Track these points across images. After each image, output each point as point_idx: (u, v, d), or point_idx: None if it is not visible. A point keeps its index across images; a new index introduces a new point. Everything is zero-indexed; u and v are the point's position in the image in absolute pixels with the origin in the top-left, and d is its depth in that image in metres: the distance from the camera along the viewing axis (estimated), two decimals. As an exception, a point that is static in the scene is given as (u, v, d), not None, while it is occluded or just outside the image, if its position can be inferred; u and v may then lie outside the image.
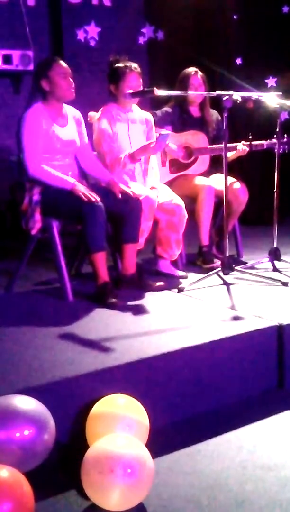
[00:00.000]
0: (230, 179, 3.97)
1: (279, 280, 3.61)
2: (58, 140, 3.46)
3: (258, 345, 2.87)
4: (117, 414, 2.20)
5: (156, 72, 5.77)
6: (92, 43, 5.63)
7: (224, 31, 5.71)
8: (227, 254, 3.60)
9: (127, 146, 3.73)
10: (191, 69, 4.22)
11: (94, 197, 3.31)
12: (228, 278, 3.69)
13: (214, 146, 4.21)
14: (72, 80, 3.46)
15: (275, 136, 3.96)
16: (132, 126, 3.81)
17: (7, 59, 5.01)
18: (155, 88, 3.41)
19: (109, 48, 5.24)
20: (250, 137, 4.19)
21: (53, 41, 5.50)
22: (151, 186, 3.82)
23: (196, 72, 4.21)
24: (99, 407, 2.25)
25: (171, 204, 3.77)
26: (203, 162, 4.27)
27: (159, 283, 3.58)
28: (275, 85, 5.54)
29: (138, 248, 3.66)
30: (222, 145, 3.56)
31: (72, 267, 3.92)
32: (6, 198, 5.04)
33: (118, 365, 2.49)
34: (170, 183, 4.14)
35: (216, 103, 3.73)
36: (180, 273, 3.88)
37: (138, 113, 3.88)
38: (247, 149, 4.17)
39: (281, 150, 3.95)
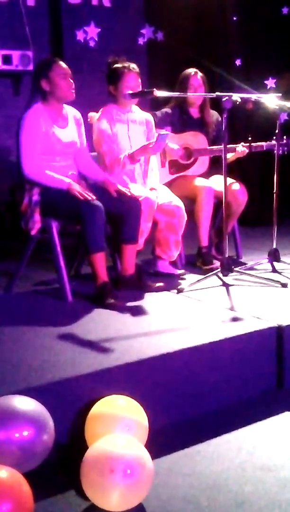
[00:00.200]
0: (230, 180, 3.97)
1: (279, 281, 3.61)
2: (58, 141, 3.46)
3: (258, 346, 2.87)
4: (116, 415, 2.20)
5: (155, 72, 5.77)
6: (92, 43, 5.63)
7: (224, 32, 5.71)
8: (227, 255, 3.60)
9: (127, 147, 3.73)
10: (191, 70, 4.23)
11: (90, 196, 3.31)
12: (228, 279, 3.69)
13: (213, 147, 4.21)
14: (72, 81, 3.46)
15: (274, 137, 3.96)
16: (132, 126, 3.81)
17: (7, 60, 5.01)
18: (154, 89, 3.42)
19: (109, 49, 5.24)
20: (250, 139, 4.19)
21: (53, 41, 5.50)
22: (150, 187, 3.83)
23: (196, 72, 4.21)
24: (98, 408, 2.25)
25: (171, 205, 3.77)
26: (203, 163, 4.28)
27: (158, 284, 3.58)
28: (274, 86, 5.54)
29: (138, 249, 3.66)
30: (221, 146, 3.57)
31: (72, 268, 3.92)
32: (5, 199, 5.03)
33: (117, 365, 2.49)
34: (169, 184, 4.14)
35: (216, 104, 3.73)
36: (179, 271, 3.88)
37: (138, 114, 3.89)
38: (247, 150, 4.18)
39: (280, 151, 3.95)
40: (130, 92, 3.59)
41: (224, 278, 3.69)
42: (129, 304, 3.32)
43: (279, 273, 3.88)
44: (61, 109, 3.54)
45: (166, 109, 4.25)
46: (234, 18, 5.64)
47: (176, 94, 4.06)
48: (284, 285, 3.56)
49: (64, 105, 3.56)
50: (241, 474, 2.23)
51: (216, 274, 3.67)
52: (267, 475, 2.21)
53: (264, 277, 3.71)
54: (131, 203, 3.52)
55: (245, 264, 4.05)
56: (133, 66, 3.72)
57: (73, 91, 3.46)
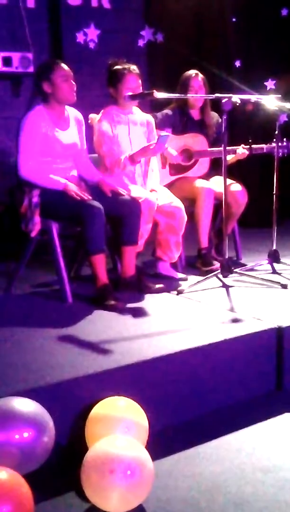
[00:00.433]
0: (230, 182, 3.97)
1: (278, 282, 3.61)
2: (59, 143, 3.46)
3: (257, 347, 2.87)
4: (116, 417, 2.20)
5: (155, 74, 5.76)
6: (92, 45, 5.62)
7: (224, 34, 5.70)
8: (227, 257, 3.60)
9: (127, 148, 3.74)
10: (192, 72, 4.23)
11: (87, 196, 3.32)
12: (227, 281, 3.69)
13: (214, 148, 4.21)
14: (74, 83, 3.46)
15: (274, 139, 3.97)
16: (132, 128, 3.82)
17: (7, 61, 5.01)
18: (154, 90, 3.43)
19: (109, 51, 5.24)
20: (250, 141, 4.19)
21: (53, 43, 5.50)
22: (151, 188, 3.83)
23: (196, 74, 4.21)
24: (98, 409, 2.25)
25: (171, 207, 3.77)
26: (203, 164, 4.28)
27: (158, 285, 3.58)
28: (274, 87, 5.54)
29: (138, 251, 3.66)
30: (221, 148, 3.57)
31: (72, 269, 3.92)
32: (5, 200, 5.03)
33: (117, 367, 2.50)
34: (170, 185, 4.14)
35: (216, 105, 3.74)
36: (180, 275, 3.88)
37: (139, 115, 3.89)
38: (247, 152, 4.18)
39: (280, 154, 3.95)
40: (130, 93, 3.60)
41: (224, 280, 3.69)
42: (129, 305, 3.32)
43: (279, 274, 3.89)
44: (62, 111, 3.54)
45: (167, 111, 4.25)
46: (234, 20, 5.64)
47: (175, 95, 4.06)
48: (284, 286, 3.56)
49: (66, 107, 3.56)
50: (241, 475, 2.23)
51: (216, 275, 3.67)
52: (267, 476, 2.21)
53: (264, 278, 3.71)
54: (131, 205, 3.53)
55: (245, 265, 4.06)
56: (133, 67, 3.73)
57: (75, 93, 3.47)
